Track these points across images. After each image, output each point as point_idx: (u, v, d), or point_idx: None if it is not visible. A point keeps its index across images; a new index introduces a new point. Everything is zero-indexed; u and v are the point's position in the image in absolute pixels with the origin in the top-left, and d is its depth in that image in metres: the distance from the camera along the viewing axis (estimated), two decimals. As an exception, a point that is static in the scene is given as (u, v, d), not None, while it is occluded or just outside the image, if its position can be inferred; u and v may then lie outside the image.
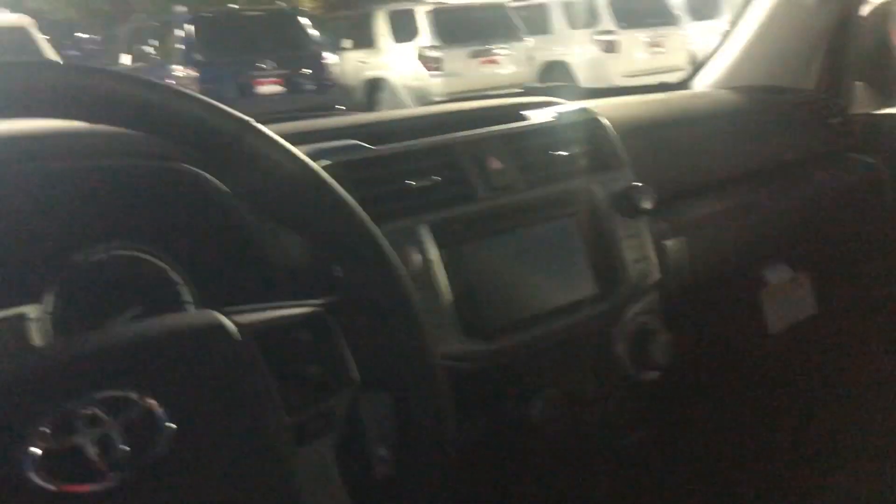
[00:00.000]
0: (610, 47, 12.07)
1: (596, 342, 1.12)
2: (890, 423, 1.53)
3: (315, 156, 0.94)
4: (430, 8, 11.56)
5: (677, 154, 1.40)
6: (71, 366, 0.58)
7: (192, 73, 9.72)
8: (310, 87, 10.33)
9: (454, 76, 11.10)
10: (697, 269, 1.28)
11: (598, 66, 11.93)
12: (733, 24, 1.82)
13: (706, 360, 1.35)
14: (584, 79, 11.91)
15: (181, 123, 0.64)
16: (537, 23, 12.81)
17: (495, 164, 1.06)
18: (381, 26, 11.90)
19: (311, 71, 10.43)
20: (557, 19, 12.79)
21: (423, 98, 10.02)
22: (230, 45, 10.11)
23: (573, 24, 12.64)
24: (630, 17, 12.27)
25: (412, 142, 1.02)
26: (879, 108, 1.83)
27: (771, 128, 1.58)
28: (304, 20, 10.92)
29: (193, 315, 0.64)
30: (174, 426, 0.57)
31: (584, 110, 1.21)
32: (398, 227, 0.94)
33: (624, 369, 1.14)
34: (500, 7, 12.28)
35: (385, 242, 0.72)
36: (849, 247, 1.57)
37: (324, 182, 0.70)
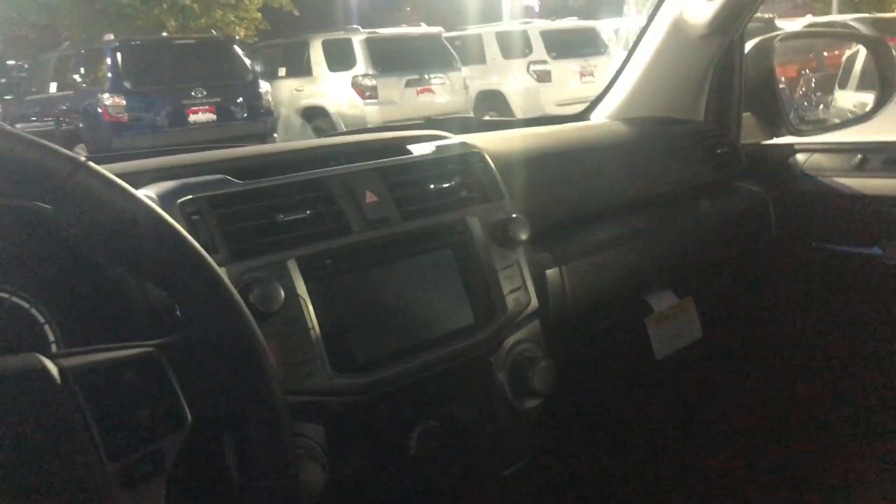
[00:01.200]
0: (543, 77, 12.34)
1: (475, 372, 1.13)
2: (776, 441, 1.58)
3: (179, 191, 0.94)
4: (364, 37, 11.63)
5: (565, 185, 1.44)
6: None
7: (121, 101, 9.57)
8: (243, 115, 10.27)
9: (389, 104, 11.17)
10: (582, 297, 1.31)
11: (532, 94, 12.17)
12: (627, 57, 1.88)
13: (592, 387, 1.37)
14: (518, 107, 12.12)
15: (8, 162, 0.63)
16: (472, 53, 13.03)
17: (370, 197, 1.07)
18: (317, 54, 11.92)
19: (244, 99, 10.37)
20: (491, 49, 13.03)
21: (358, 126, 10.04)
22: (160, 73, 9.99)
23: (507, 55, 12.89)
24: (562, 47, 12.58)
25: (283, 176, 1.03)
26: (767, 139, 1.91)
27: (660, 158, 1.63)
28: (237, 48, 10.85)
29: (15, 358, 0.63)
30: None
31: (464, 144, 1.24)
32: (264, 263, 0.94)
33: (505, 398, 1.15)
34: (436, 37, 12.44)
35: (223, 280, 0.72)
36: (734, 272, 1.63)
37: (159, 219, 0.70)
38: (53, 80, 10.69)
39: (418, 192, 1.13)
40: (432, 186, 1.15)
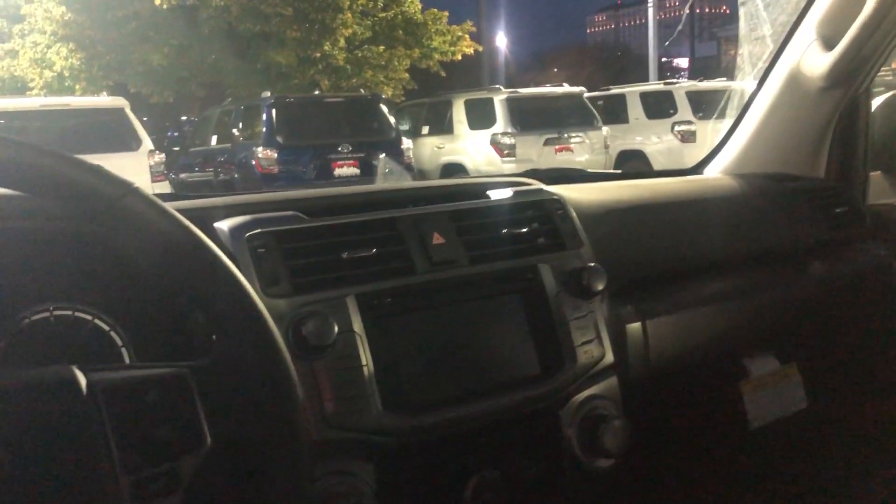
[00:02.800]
0: (687, 137, 12.07)
1: (541, 425, 1.09)
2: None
3: (249, 225, 0.98)
4: (506, 96, 11.82)
5: (660, 237, 1.38)
6: None
7: (273, 154, 10.12)
8: (379, 177, 10.59)
9: (527, 162, 11.22)
10: (667, 356, 1.24)
11: (675, 155, 11.91)
12: (743, 110, 1.81)
13: (674, 452, 1.29)
14: (660, 167, 11.88)
15: (60, 185, 0.68)
16: (615, 112, 12.96)
17: (438, 239, 1.06)
18: (459, 113, 12.21)
19: (400, 167, 10.68)
20: (635, 109, 12.91)
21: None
22: (310, 129, 10.52)
23: (651, 115, 12.73)
24: (708, 108, 12.26)
25: (351, 215, 1.04)
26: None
27: (771, 214, 1.54)
28: (383, 107, 11.29)
29: (49, 370, 0.67)
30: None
31: (542, 191, 1.22)
32: (323, 297, 0.96)
33: (572, 455, 1.10)
34: (577, 96, 12.46)
35: (260, 309, 0.73)
36: (849, 339, 1.50)
37: (201, 244, 0.72)
38: (214, 134, 11.50)
39: (489, 236, 1.11)
40: (504, 231, 1.13)
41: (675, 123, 12.33)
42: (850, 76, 1.57)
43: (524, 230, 1.15)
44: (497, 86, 12.99)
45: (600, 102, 13.11)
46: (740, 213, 1.52)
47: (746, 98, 1.83)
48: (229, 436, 0.69)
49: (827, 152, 1.70)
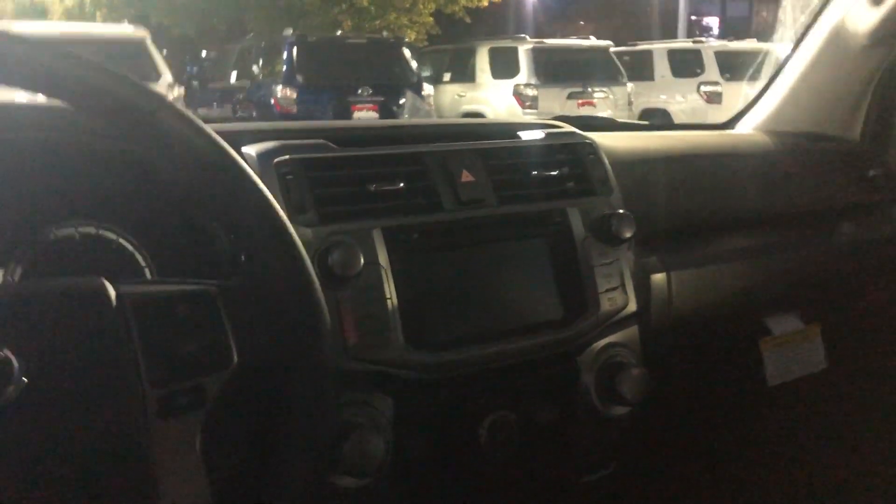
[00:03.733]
0: (713, 98, 11.90)
1: (560, 370, 1.09)
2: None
3: (277, 151, 0.96)
4: (531, 46, 11.65)
5: (689, 190, 1.36)
6: None
7: (292, 93, 10.04)
8: (403, 115, 10.47)
9: (549, 115, 11.05)
10: (690, 308, 1.23)
11: (700, 115, 11.75)
12: (781, 65, 1.76)
13: (691, 405, 1.28)
14: (682, 128, 11.72)
15: (95, 95, 0.66)
16: (641, 69, 12.76)
17: (466, 177, 1.05)
18: (482, 61, 12.05)
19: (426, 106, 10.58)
20: (661, 67, 12.72)
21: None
22: (331, 70, 10.40)
23: (677, 73, 12.54)
24: (736, 69, 12.06)
25: (380, 147, 1.03)
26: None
27: (803, 174, 1.51)
28: (406, 51, 11.14)
29: (80, 280, 0.66)
30: (25, 380, 0.59)
31: (574, 133, 1.19)
32: (350, 228, 0.95)
33: (590, 401, 1.10)
34: (604, 50, 12.27)
35: (290, 233, 0.72)
36: (874, 303, 1.48)
37: (233, 163, 0.71)
38: (234, 69, 11.40)
39: (518, 177, 1.09)
40: (535, 173, 1.11)
41: (701, 83, 12.15)
42: (896, 35, 1.52)
43: (554, 173, 1.13)
44: (522, 35, 12.79)
45: (626, 58, 12.90)
46: (771, 171, 1.49)
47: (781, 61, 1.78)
48: (255, 356, 0.69)
49: (864, 114, 1.65)
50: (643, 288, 1.17)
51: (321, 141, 1.01)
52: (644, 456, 1.25)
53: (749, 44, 13.34)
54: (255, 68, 10.98)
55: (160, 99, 0.69)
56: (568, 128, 1.22)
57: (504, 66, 11.70)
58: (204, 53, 13.33)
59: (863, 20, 1.53)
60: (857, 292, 1.47)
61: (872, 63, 1.58)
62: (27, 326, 0.61)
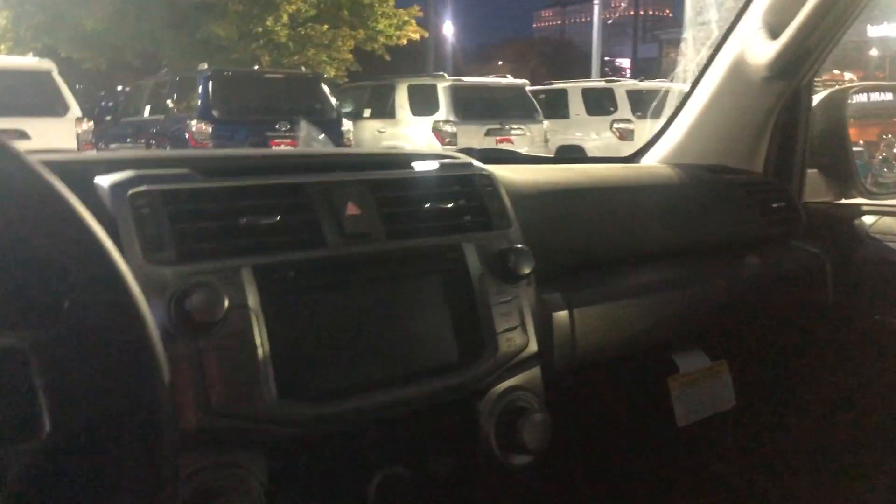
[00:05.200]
0: (625, 135, 12.21)
1: (456, 418, 1.01)
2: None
3: (132, 182, 0.86)
4: (449, 83, 11.73)
5: (590, 224, 1.31)
6: None
7: (207, 128, 9.80)
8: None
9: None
10: (594, 347, 1.17)
11: (613, 151, 12.01)
12: (684, 99, 1.75)
13: (598, 450, 1.22)
14: (598, 164, 11.97)
15: None
16: (557, 107, 13.02)
17: (353, 210, 0.97)
18: (402, 98, 12.07)
19: (325, 136, 10.45)
20: (576, 105, 13.02)
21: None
22: (248, 104, 10.22)
23: (591, 111, 12.85)
24: (646, 108, 12.43)
25: (254, 178, 0.94)
26: (836, 199, 1.74)
27: (706, 207, 1.49)
28: (324, 86, 11.06)
29: None
30: None
31: (470, 165, 1.13)
32: (214, 268, 0.85)
33: (489, 451, 1.02)
34: (520, 88, 12.47)
35: (123, 275, 0.62)
36: (780, 339, 1.46)
37: (52, 194, 0.61)
38: (148, 104, 11.10)
39: (409, 210, 1.02)
40: (427, 206, 1.04)
41: (614, 121, 12.47)
42: (794, 67, 1.52)
43: (449, 206, 1.06)
44: (441, 73, 12.89)
45: (542, 96, 13.14)
46: (675, 204, 1.46)
47: (684, 95, 1.78)
48: (74, 424, 0.58)
49: (766, 147, 1.65)
50: (545, 327, 1.11)
51: (185, 171, 0.91)
52: None
53: (660, 83, 13.80)
54: (169, 102, 10.70)
55: None
56: (465, 159, 1.15)
57: (423, 102, 11.74)
58: (119, 88, 12.97)
59: (761, 54, 1.53)
60: (761, 327, 1.45)
61: (772, 96, 1.58)
62: None
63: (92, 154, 0.89)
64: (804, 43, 1.45)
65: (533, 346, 1.05)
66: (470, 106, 11.66)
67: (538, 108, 12.30)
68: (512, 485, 1.06)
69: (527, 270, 1.04)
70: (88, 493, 0.59)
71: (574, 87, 13.43)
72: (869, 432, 1.56)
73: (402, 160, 1.13)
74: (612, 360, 1.21)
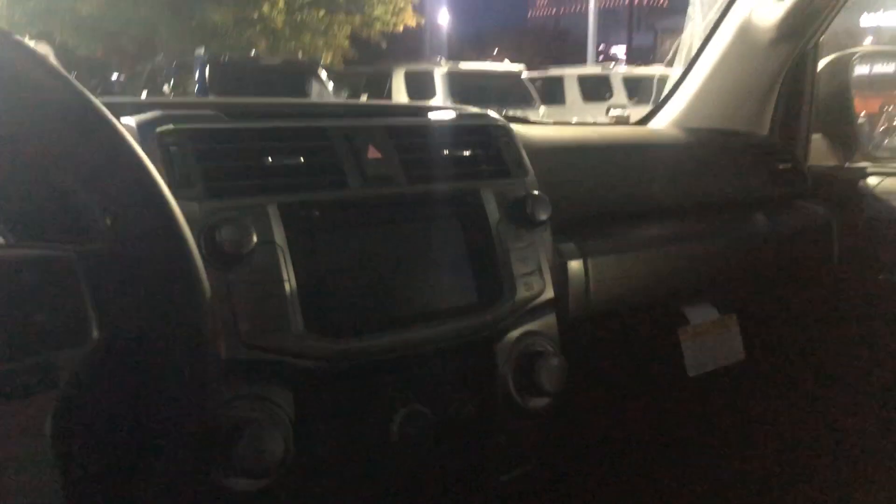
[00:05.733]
0: (621, 121, 12.22)
1: (476, 359, 1.02)
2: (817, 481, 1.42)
3: (160, 120, 0.88)
4: (446, 69, 11.72)
5: (604, 178, 1.33)
6: None
7: (205, 113, 9.75)
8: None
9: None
10: (607, 296, 1.19)
11: (610, 138, 12.04)
12: (691, 63, 1.77)
13: (609, 395, 1.24)
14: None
15: None
16: (553, 93, 13.03)
17: (373, 153, 0.98)
18: (398, 84, 12.05)
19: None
20: (572, 91, 13.02)
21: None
22: (243, 90, 10.19)
23: (587, 97, 12.86)
24: (643, 93, 12.46)
25: (279, 119, 0.95)
26: (838, 163, 1.76)
27: (716, 167, 1.51)
28: (322, 72, 11.04)
29: None
30: None
31: (486, 115, 1.15)
32: (242, 205, 0.87)
33: (507, 393, 1.04)
34: (516, 75, 12.46)
35: (167, 197, 0.64)
36: (787, 295, 1.48)
37: (98, 114, 0.62)
38: (145, 89, 11.07)
39: (429, 156, 1.04)
40: (446, 152, 1.06)
41: (610, 107, 12.46)
42: (801, 29, 1.54)
43: (466, 153, 1.07)
44: (439, 58, 12.88)
45: (539, 83, 13.14)
46: (685, 163, 1.48)
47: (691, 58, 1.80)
48: (122, 332, 0.60)
49: (772, 110, 1.67)
50: (560, 275, 1.13)
51: (213, 112, 0.93)
52: (564, 452, 1.20)
53: (655, 69, 13.81)
54: (165, 88, 10.67)
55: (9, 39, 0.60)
56: (482, 111, 1.17)
57: (420, 89, 11.71)
58: (115, 76, 12.90)
59: (769, 16, 1.55)
60: (768, 283, 1.47)
61: (779, 58, 1.60)
62: None
63: (117, 97, 0.90)
64: (812, 3, 1.47)
65: (549, 292, 1.07)
66: (467, 92, 11.63)
67: (534, 93, 12.30)
68: (528, 426, 1.08)
69: (544, 216, 1.06)
70: (135, 399, 0.60)
71: (570, 73, 13.45)
72: (873, 389, 1.58)
73: (421, 110, 1.15)
74: (623, 309, 1.23)
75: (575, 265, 1.15)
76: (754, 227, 1.46)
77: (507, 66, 12.99)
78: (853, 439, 1.55)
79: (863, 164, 1.70)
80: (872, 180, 1.60)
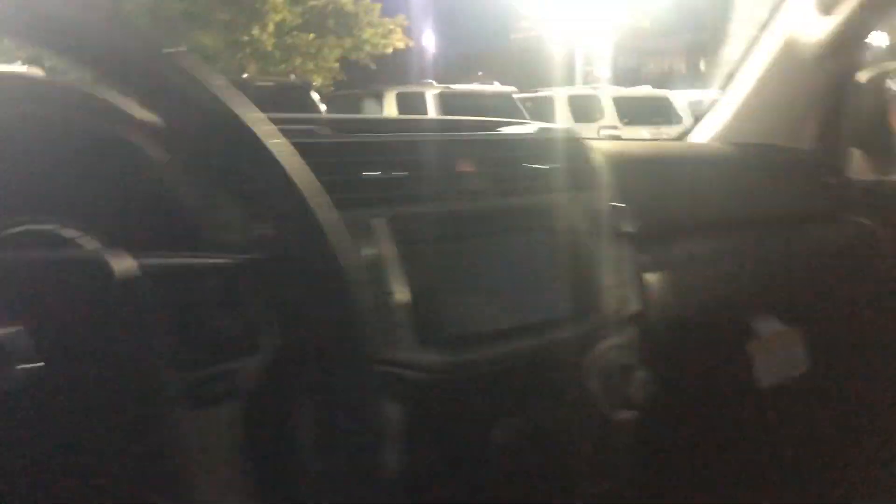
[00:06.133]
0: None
1: (565, 371, 1.03)
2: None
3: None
4: (438, 91, 11.80)
5: (672, 194, 1.35)
6: None
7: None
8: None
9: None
10: (682, 309, 1.20)
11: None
12: (730, 79, 1.79)
13: (690, 407, 1.25)
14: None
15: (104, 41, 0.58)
16: (544, 114, 13.10)
17: (466, 167, 0.99)
18: (391, 106, 12.10)
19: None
20: (562, 112, 13.10)
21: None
22: (238, 112, 10.19)
23: (578, 118, 12.95)
24: (633, 114, 12.58)
25: (376, 134, 0.96)
26: (877, 177, 1.78)
27: (766, 182, 1.53)
28: (314, 94, 11.08)
29: (89, 250, 0.56)
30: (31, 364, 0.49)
31: (567, 130, 1.16)
32: (350, 217, 0.87)
33: (597, 406, 1.04)
34: (507, 96, 12.54)
35: (318, 207, 0.65)
36: (843, 307, 1.50)
37: (252, 131, 0.63)
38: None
39: (517, 170, 1.05)
40: (533, 166, 1.06)
41: (601, 127, 12.55)
42: (848, 45, 1.56)
43: (552, 166, 1.08)
44: (429, 80, 12.96)
45: (529, 104, 13.22)
46: (737, 178, 1.50)
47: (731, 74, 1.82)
48: (290, 340, 0.60)
49: (815, 125, 1.69)
50: (640, 287, 1.13)
51: (314, 127, 0.93)
52: (648, 466, 1.20)
53: (644, 90, 13.96)
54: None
55: (171, 55, 0.60)
56: (560, 126, 1.18)
57: (412, 111, 11.77)
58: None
59: (815, 31, 1.57)
60: (828, 296, 1.48)
61: (824, 75, 1.62)
62: (26, 299, 0.51)
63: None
64: (860, 19, 1.49)
65: (635, 304, 1.08)
66: (458, 113, 11.69)
67: (526, 114, 12.38)
68: (616, 439, 1.08)
69: (628, 228, 1.07)
70: (311, 407, 0.61)
71: (561, 94, 13.55)
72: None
73: (506, 125, 1.17)
74: (695, 321, 1.23)
75: (652, 277, 1.16)
76: (812, 242, 1.48)
77: (497, 87, 13.08)
78: None
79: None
80: (915, 193, 1.62)
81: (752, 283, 1.34)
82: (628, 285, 1.07)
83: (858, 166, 1.79)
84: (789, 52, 1.63)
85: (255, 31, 13.77)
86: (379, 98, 12.37)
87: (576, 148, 1.13)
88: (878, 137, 1.80)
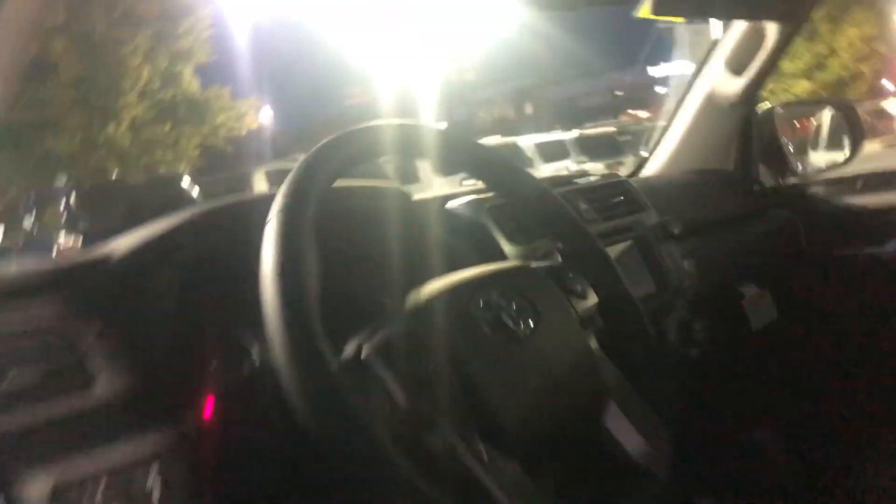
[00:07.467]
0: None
1: (656, 325, 1.57)
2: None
3: (480, 202, 1.38)
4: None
5: (670, 208, 1.93)
6: None
7: (77, 240, 9.64)
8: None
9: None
10: (705, 282, 1.78)
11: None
12: (667, 124, 2.42)
13: (721, 345, 1.83)
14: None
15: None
16: (407, 174, 13.73)
17: (583, 205, 1.53)
18: (260, 184, 12.35)
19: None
20: (532, 154, 14.06)
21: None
22: (114, 213, 10.13)
23: (547, 160, 13.93)
24: (592, 152, 13.95)
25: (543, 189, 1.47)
26: (779, 183, 2.46)
27: (715, 195, 2.15)
28: (184, 182, 11.16)
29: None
30: None
31: (617, 174, 1.73)
32: (540, 244, 1.38)
33: (674, 344, 1.59)
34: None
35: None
36: (786, 273, 2.13)
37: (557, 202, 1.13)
38: (1, 223, 10.80)
39: (607, 204, 1.60)
40: (614, 200, 1.62)
41: (462, 180, 13.31)
42: (753, 95, 2.23)
43: (622, 198, 1.64)
44: (299, 156, 13.31)
45: (388, 163, 13.86)
46: (702, 195, 2.11)
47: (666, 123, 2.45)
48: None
49: (734, 152, 2.34)
50: (684, 268, 1.70)
51: (491, 193, 1.44)
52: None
53: (601, 129, 15.56)
54: (26, 222, 10.44)
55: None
56: (613, 172, 1.75)
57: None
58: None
59: (729, 88, 2.22)
60: (775, 266, 2.12)
61: (737, 116, 2.28)
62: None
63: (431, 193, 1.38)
64: (761, 77, 2.16)
65: (686, 281, 1.64)
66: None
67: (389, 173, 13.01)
68: (684, 372, 1.63)
69: (676, 231, 1.63)
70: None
71: (528, 141, 14.55)
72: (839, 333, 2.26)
73: (583, 176, 1.72)
74: (713, 290, 1.82)
75: (688, 262, 1.73)
76: (755, 231, 2.11)
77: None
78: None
79: (797, 180, 2.40)
80: (816, 188, 2.30)
81: (733, 262, 1.94)
82: (681, 268, 1.64)
83: (763, 176, 2.46)
84: (711, 101, 2.28)
85: (111, 129, 13.70)
86: (248, 178, 12.60)
87: (627, 185, 1.70)
88: (773, 154, 2.49)
